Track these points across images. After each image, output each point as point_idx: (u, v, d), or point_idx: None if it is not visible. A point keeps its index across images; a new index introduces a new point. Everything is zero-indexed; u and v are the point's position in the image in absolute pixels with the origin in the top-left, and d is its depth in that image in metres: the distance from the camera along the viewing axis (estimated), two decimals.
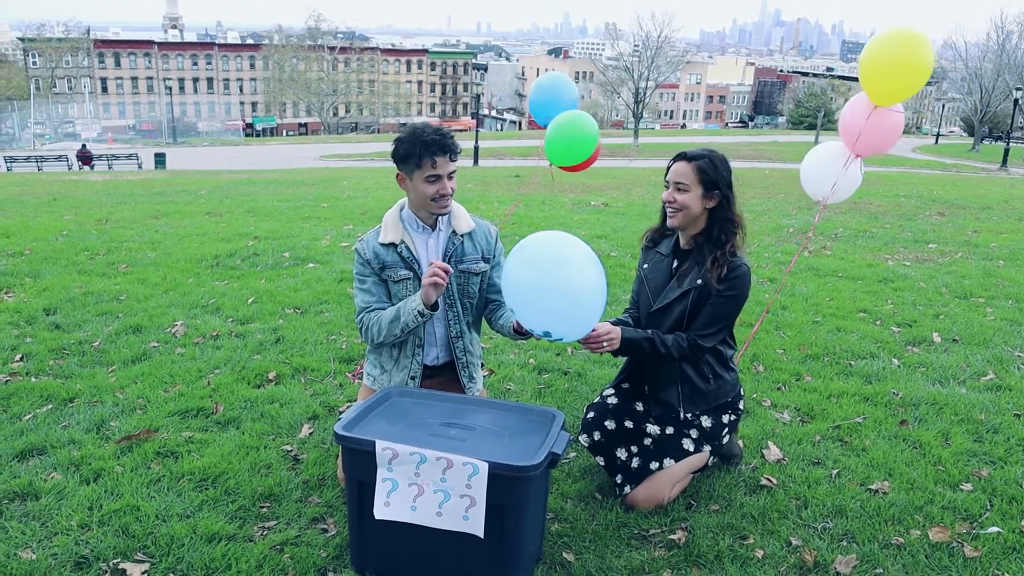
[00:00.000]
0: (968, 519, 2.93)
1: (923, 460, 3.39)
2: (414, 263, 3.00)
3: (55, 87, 68.70)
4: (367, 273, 3.03)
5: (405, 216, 3.05)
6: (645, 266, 3.19)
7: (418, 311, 2.84)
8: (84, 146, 37.39)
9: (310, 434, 3.54)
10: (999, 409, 3.93)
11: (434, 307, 2.84)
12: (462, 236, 3.07)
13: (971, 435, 3.64)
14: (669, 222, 3.04)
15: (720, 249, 2.94)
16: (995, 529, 2.83)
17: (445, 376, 3.15)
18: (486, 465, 2.28)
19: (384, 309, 2.99)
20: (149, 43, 77.60)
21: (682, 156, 3.01)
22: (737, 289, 2.92)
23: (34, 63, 68.48)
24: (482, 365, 3.29)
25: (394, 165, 2.97)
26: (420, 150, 2.83)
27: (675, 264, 3.07)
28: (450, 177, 2.92)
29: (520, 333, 2.89)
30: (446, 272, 2.78)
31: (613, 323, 3.06)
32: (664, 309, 3.01)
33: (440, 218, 3.04)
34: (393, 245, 3.00)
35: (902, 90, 3.66)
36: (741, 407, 3.19)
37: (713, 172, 2.95)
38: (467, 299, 3.10)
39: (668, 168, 3.03)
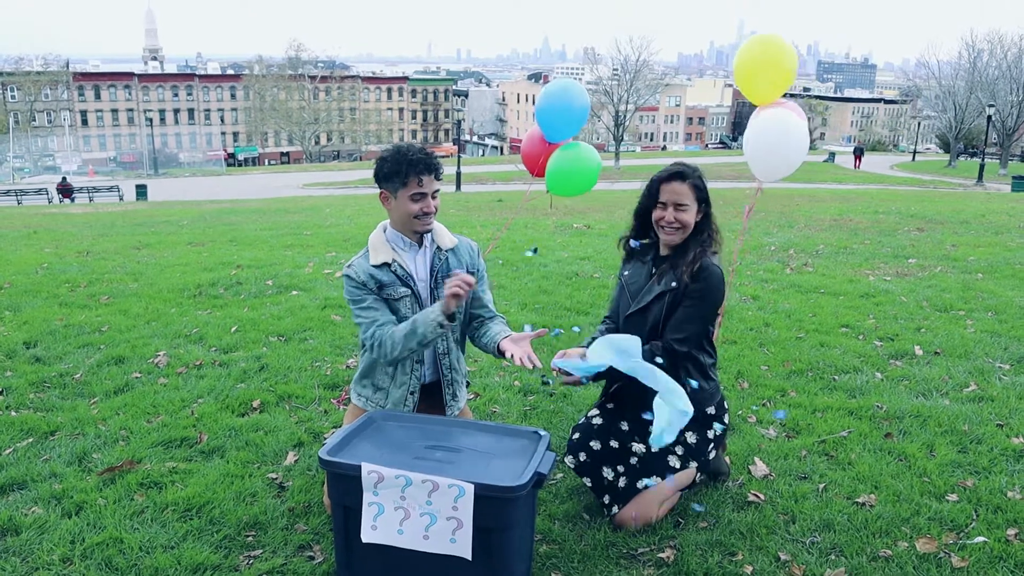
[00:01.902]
0: (954, 529, 2.94)
1: (908, 472, 3.40)
2: (410, 280, 3.02)
3: (34, 120, 68.49)
4: (365, 293, 2.99)
5: (390, 236, 3.07)
6: (626, 273, 3.23)
7: (438, 322, 2.84)
8: (64, 179, 37.28)
9: (295, 461, 3.51)
10: (982, 420, 3.96)
11: (452, 318, 2.85)
12: (446, 252, 3.11)
13: (955, 446, 3.67)
14: (667, 240, 3.07)
15: (700, 247, 3.01)
16: (981, 539, 2.85)
17: (433, 396, 3.14)
18: (472, 487, 2.27)
19: (394, 324, 2.96)
20: (129, 75, 77.63)
21: (678, 176, 3.05)
22: (707, 288, 2.95)
23: (12, 97, 68.27)
24: (467, 385, 3.29)
25: (377, 186, 3.00)
26: (406, 168, 2.89)
27: (654, 270, 3.12)
28: (434, 196, 2.97)
29: (503, 356, 2.90)
30: (469, 284, 2.79)
31: (586, 345, 3.09)
32: (642, 311, 3.05)
33: (424, 235, 3.07)
34: (386, 265, 3.00)
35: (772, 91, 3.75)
36: (726, 420, 3.19)
37: (703, 186, 3.07)
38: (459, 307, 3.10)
39: (656, 187, 3.06)
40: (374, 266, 3.00)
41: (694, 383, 2.88)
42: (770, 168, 3.85)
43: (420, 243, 3.07)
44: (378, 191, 3.03)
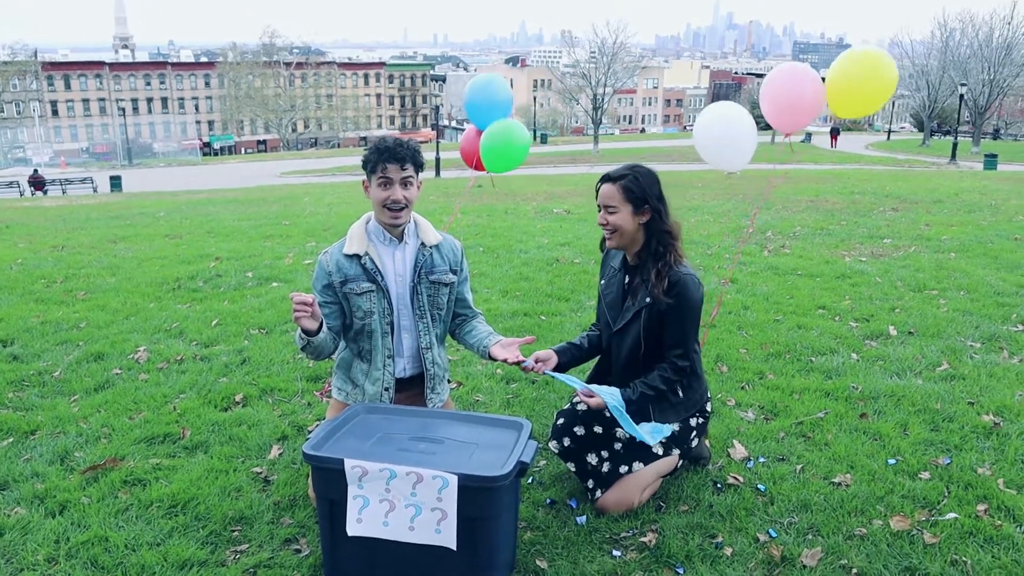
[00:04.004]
0: (927, 507, 3.02)
1: (883, 452, 3.48)
2: (377, 275, 3.02)
3: (2, 112, 67.23)
4: (321, 288, 3.04)
5: (371, 228, 3.09)
6: (602, 282, 3.27)
7: (299, 334, 2.89)
8: (36, 171, 36.65)
9: (280, 455, 3.53)
10: (954, 398, 4.05)
11: (313, 332, 2.86)
12: (431, 248, 3.11)
13: (928, 425, 3.75)
14: (608, 243, 3.12)
15: (661, 260, 3.00)
16: (953, 515, 2.92)
17: (414, 389, 3.17)
18: (455, 477, 2.30)
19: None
20: (100, 64, 76.45)
21: (606, 178, 3.05)
22: (683, 300, 2.97)
23: None
24: (448, 379, 3.32)
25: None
26: (375, 155, 2.96)
27: (626, 280, 3.14)
28: (404, 185, 2.97)
29: (493, 360, 2.99)
30: (306, 304, 2.78)
31: (555, 347, 3.19)
32: (622, 331, 3.09)
33: (407, 230, 3.08)
34: (357, 256, 3.02)
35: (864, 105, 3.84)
36: (708, 409, 3.25)
37: (639, 188, 2.99)
38: (436, 310, 3.13)
39: (596, 192, 3.09)
40: (345, 255, 3.03)
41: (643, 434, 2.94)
42: (725, 159, 3.98)
43: (400, 238, 3.08)
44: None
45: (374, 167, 2.97)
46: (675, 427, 3.11)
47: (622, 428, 3.05)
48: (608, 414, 2.95)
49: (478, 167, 4.95)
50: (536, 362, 3.03)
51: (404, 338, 3.11)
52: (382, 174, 2.96)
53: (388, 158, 2.95)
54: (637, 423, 2.96)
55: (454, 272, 3.16)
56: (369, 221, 3.11)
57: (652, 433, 2.95)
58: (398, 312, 3.07)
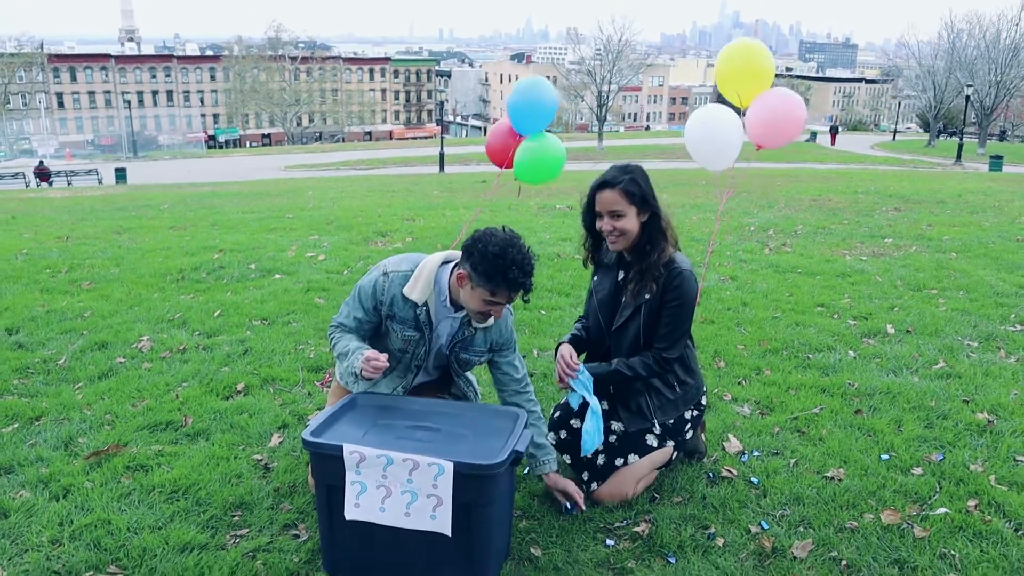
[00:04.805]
0: (918, 502, 3.05)
1: (876, 447, 3.51)
2: (426, 329, 2.89)
3: (8, 103, 67.37)
4: (368, 308, 2.90)
5: (440, 287, 2.87)
6: (595, 278, 3.26)
7: (354, 373, 2.82)
8: (42, 162, 36.75)
9: (280, 443, 3.58)
10: (949, 396, 4.08)
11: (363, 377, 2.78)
12: (475, 329, 2.94)
13: (922, 422, 3.78)
14: (612, 248, 3.08)
15: (654, 256, 2.99)
16: (943, 510, 2.96)
17: (430, 387, 3.17)
18: (451, 465, 2.35)
19: (355, 338, 2.92)
20: (105, 57, 76.54)
21: (604, 184, 2.99)
22: (682, 296, 3.00)
23: None
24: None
25: (462, 260, 2.78)
26: (499, 281, 2.65)
27: (620, 276, 3.14)
28: (501, 306, 2.79)
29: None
30: (378, 368, 2.69)
31: (568, 340, 3.19)
32: (621, 328, 3.10)
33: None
34: (415, 305, 2.86)
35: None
36: (704, 402, 3.29)
37: (639, 189, 2.97)
38: (466, 369, 3.10)
39: (592, 195, 3.03)
40: (404, 296, 2.85)
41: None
42: (711, 156, 4.08)
43: (459, 309, 2.89)
44: (457, 267, 2.80)
45: (489, 281, 2.64)
46: (670, 420, 3.14)
47: (616, 422, 3.11)
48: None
49: (509, 165, 4.88)
50: (562, 380, 3.06)
51: (423, 377, 3.11)
52: (494, 297, 2.69)
53: (511, 288, 2.67)
54: (613, 410, 3.13)
55: (493, 351, 3.01)
56: (442, 272, 2.87)
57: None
58: (429, 359, 3.01)
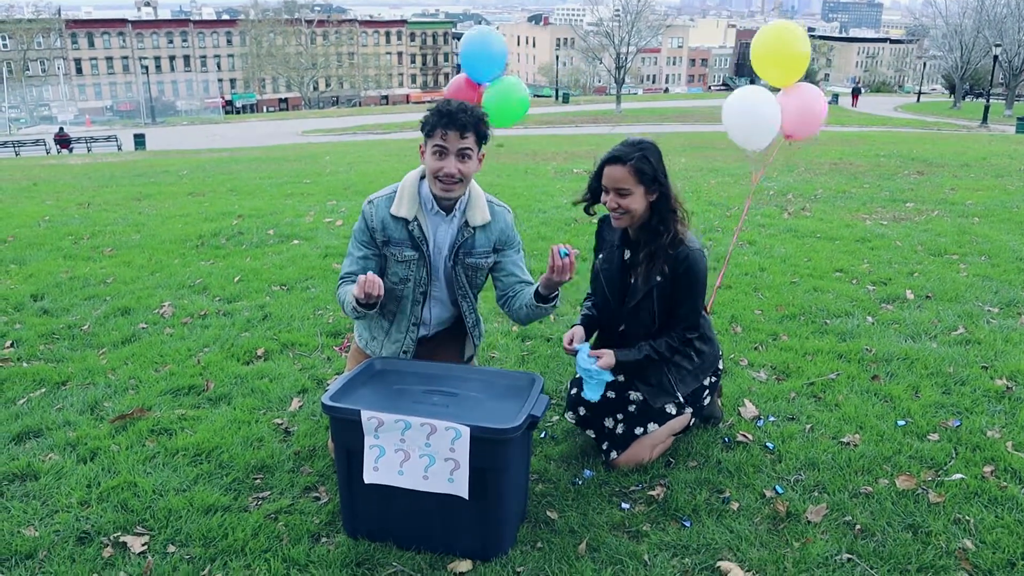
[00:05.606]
0: (934, 467, 3.06)
1: (893, 413, 3.51)
2: (423, 243, 2.89)
3: (28, 70, 67.69)
4: (364, 241, 2.93)
5: (424, 192, 2.90)
6: (600, 256, 3.20)
7: (353, 307, 2.77)
8: (61, 129, 36.99)
9: (300, 407, 3.63)
10: (967, 362, 4.06)
11: (370, 306, 2.74)
12: (474, 228, 2.94)
13: (940, 388, 3.77)
14: (616, 224, 3.02)
15: (666, 236, 2.93)
16: (959, 476, 2.96)
17: (435, 343, 3.17)
18: (468, 429, 2.38)
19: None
20: (123, 22, 76.39)
21: (614, 159, 2.89)
22: (693, 276, 2.97)
23: (4, 45, 67.35)
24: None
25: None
26: (434, 119, 2.73)
27: (627, 255, 3.10)
28: (461, 157, 2.76)
29: (544, 299, 2.84)
30: (371, 284, 2.63)
31: (581, 323, 3.17)
32: (635, 309, 3.06)
33: (458, 203, 2.91)
34: (405, 221, 2.87)
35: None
36: (720, 368, 3.29)
37: (649, 168, 2.88)
38: (475, 290, 3.09)
39: (599, 172, 2.95)
40: (393, 216, 2.87)
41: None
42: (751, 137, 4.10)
43: (449, 211, 2.91)
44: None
45: (431, 131, 2.73)
46: (689, 388, 3.15)
47: (633, 391, 3.10)
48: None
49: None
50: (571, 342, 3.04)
51: (434, 307, 3.08)
52: (439, 141, 2.72)
53: (448, 124, 2.70)
54: (631, 380, 3.10)
55: (497, 251, 3.01)
56: (422, 185, 2.91)
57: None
58: (434, 284, 3.00)
